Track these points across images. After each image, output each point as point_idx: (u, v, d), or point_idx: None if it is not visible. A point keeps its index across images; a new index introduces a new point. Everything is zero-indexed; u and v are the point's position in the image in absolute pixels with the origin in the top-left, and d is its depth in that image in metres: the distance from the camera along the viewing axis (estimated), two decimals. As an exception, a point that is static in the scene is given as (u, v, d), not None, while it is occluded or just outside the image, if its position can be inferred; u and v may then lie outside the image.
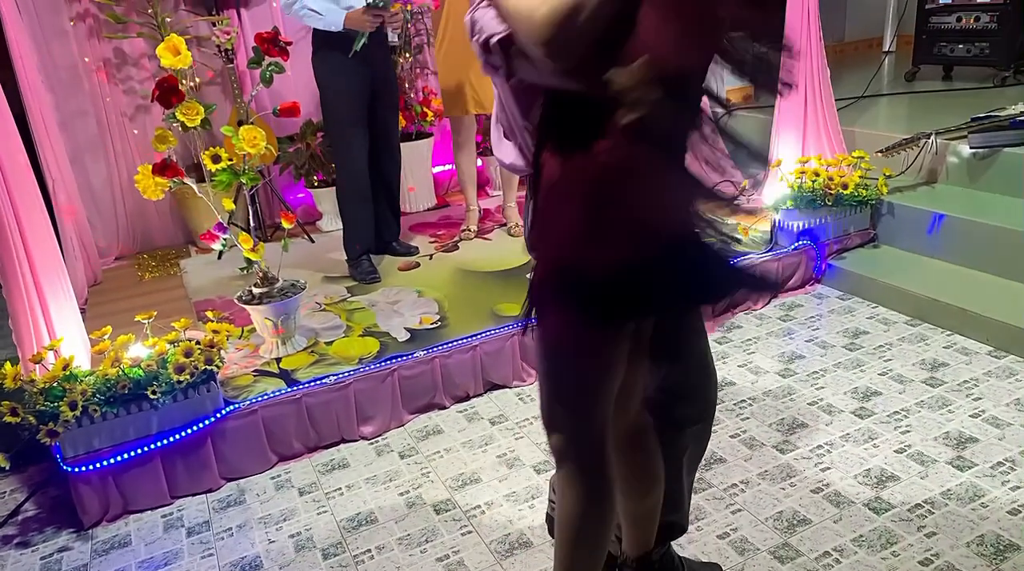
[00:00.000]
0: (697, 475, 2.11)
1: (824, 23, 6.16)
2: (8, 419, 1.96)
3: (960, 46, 4.53)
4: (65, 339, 2.15)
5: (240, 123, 3.45)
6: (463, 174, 3.62)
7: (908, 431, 2.25)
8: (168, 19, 3.35)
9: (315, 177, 3.76)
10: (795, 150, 3.41)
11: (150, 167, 2.09)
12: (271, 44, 2.22)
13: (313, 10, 2.74)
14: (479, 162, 4.08)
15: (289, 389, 2.35)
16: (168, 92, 2.00)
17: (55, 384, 2.01)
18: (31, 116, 3.06)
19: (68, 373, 2.02)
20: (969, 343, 2.68)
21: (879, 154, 3.28)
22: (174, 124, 2.19)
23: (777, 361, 2.68)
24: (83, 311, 3.21)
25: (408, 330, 2.67)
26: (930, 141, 3.24)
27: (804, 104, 3.41)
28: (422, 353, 2.50)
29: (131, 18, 3.34)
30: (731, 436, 2.29)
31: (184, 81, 3.32)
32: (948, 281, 2.92)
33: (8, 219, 2.09)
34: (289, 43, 2.33)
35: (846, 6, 6.21)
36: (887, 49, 5.93)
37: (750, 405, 2.44)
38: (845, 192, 3.09)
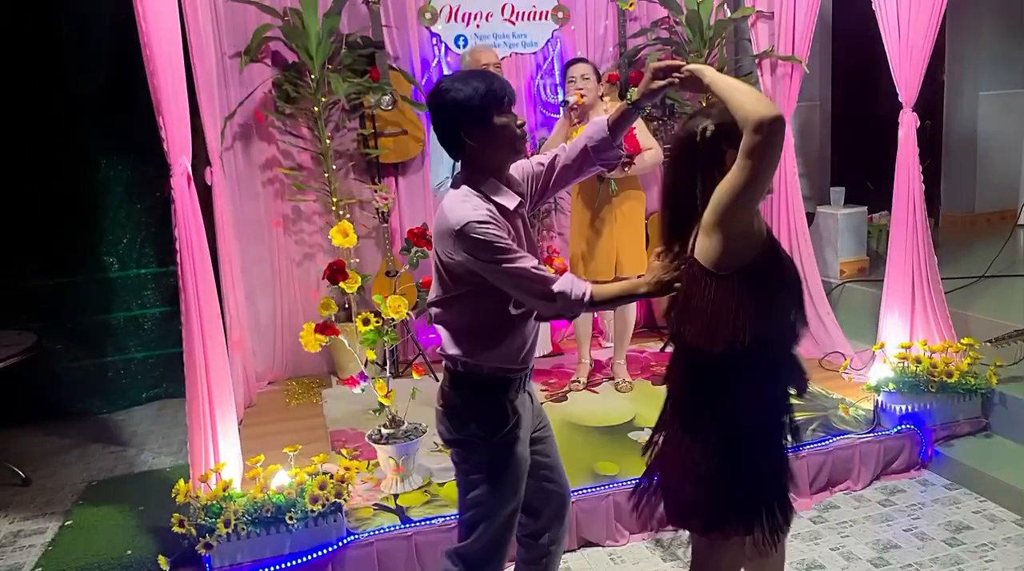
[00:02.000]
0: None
1: (953, 191, 6.25)
2: (176, 529, 2.37)
3: (1092, 230, 4.47)
4: (227, 463, 2.57)
5: (388, 274, 3.98)
6: (578, 329, 3.92)
7: (1003, 641, 2.20)
8: (338, 186, 3.99)
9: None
10: (902, 330, 3.48)
11: (313, 326, 2.56)
12: (419, 237, 2.70)
13: None
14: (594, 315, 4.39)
15: (402, 526, 2.63)
16: (336, 273, 2.50)
17: (215, 502, 2.40)
18: (221, 263, 3.70)
19: (227, 494, 2.41)
20: (1082, 552, 2.59)
21: (988, 344, 3.30)
22: (335, 287, 2.66)
23: (871, 549, 2.68)
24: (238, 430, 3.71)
25: (513, 479, 2.91)
26: (1044, 334, 3.24)
27: (911, 284, 3.50)
28: (522, 503, 2.73)
29: (310, 185, 4.01)
30: (814, 622, 2.33)
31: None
32: (1064, 482, 2.85)
33: (202, 355, 2.58)
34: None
35: (976, 174, 6.21)
36: (1021, 222, 5.86)
37: (838, 592, 2.46)
38: (950, 380, 3.12)
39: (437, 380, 3.82)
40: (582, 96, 3.46)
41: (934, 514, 2.88)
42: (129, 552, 2.88)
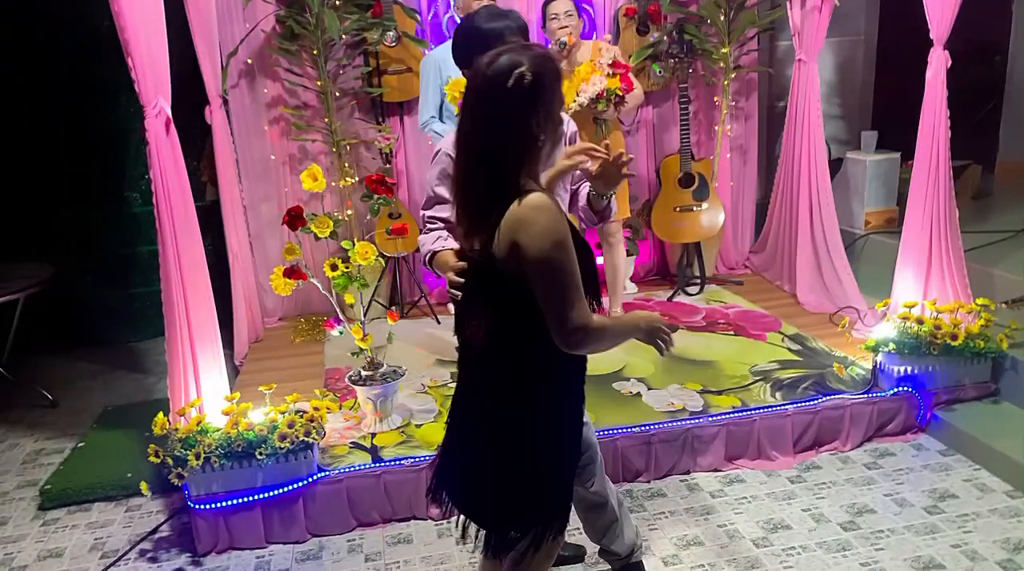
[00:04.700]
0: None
1: (1012, 136, 5.79)
2: (152, 459, 2.49)
3: None
4: (208, 398, 2.65)
5: (391, 216, 3.98)
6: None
7: (963, 614, 2.15)
8: (340, 125, 3.96)
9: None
10: (916, 287, 3.31)
11: (282, 269, 2.59)
12: (379, 184, 2.67)
13: (437, 132, 3.30)
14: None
15: (373, 465, 2.70)
16: (295, 218, 2.50)
17: (190, 435, 2.50)
18: (223, 202, 3.76)
19: (200, 428, 2.51)
20: (1069, 528, 2.47)
21: (1004, 306, 3.11)
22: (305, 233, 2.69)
23: (844, 512, 2.62)
24: (241, 364, 3.83)
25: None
26: (1065, 298, 3.03)
27: (929, 239, 3.30)
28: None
29: (313, 125, 3.99)
30: (768, 582, 2.31)
31: (347, 179, 3.90)
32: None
33: (181, 294, 2.63)
34: (394, 183, 2.81)
35: (1031, 119, 5.76)
36: (1082, 172, 5.43)
37: (799, 554, 2.43)
38: (954, 343, 2.96)
39: (439, 323, 3.92)
40: (571, 34, 3.33)
41: (920, 480, 2.78)
42: (129, 475, 3.03)
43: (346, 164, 4.00)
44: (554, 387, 1.63)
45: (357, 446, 2.84)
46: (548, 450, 1.63)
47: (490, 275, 1.52)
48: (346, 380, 2.97)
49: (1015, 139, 5.75)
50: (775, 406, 2.97)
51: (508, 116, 1.45)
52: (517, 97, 1.43)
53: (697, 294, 4.30)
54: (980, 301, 3.12)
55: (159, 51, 2.53)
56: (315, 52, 3.76)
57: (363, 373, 2.91)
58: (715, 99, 4.45)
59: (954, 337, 2.98)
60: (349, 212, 3.96)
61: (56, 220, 4.45)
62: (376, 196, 2.75)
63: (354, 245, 2.61)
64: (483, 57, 1.49)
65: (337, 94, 3.95)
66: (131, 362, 4.40)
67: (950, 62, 3.23)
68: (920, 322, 3.02)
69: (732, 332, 3.77)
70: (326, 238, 2.62)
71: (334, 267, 2.62)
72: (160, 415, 2.58)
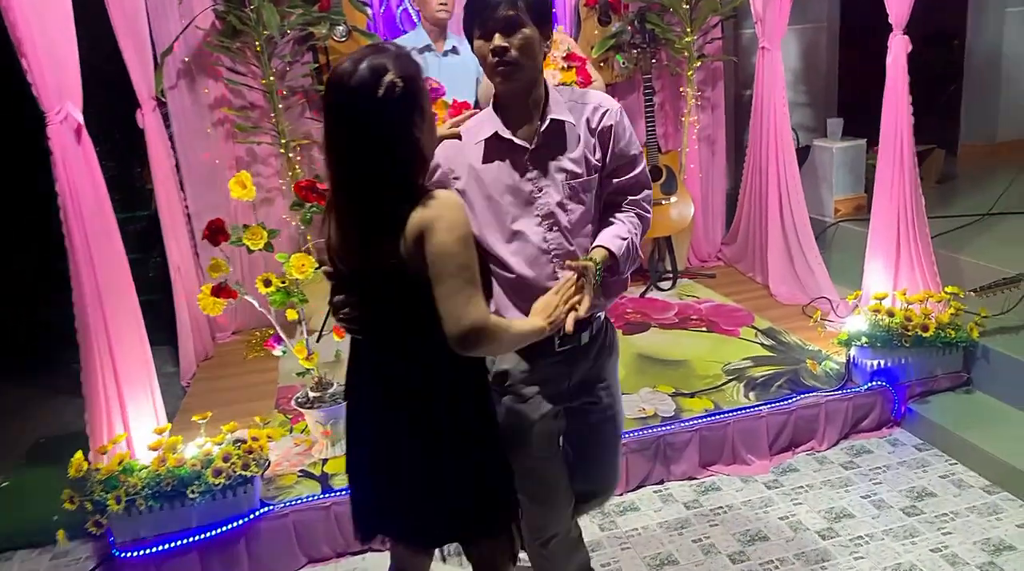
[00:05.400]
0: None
1: (973, 119, 5.73)
2: (67, 506, 2.26)
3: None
4: (137, 432, 2.44)
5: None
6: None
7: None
8: (289, 126, 3.73)
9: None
10: (886, 277, 3.20)
11: (210, 288, 2.39)
12: (309, 191, 2.48)
13: None
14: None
15: (322, 496, 2.50)
16: (215, 232, 2.30)
17: (112, 475, 2.28)
18: (161, 212, 3.53)
19: (123, 467, 2.29)
20: (1052, 524, 2.37)
21: (973, 293, 3.01)
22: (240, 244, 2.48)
23: (823, 518, 2.50)
24: (188, 385, 3.60)
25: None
26: (1036, 283, 2.94)
27: (896, 228, 3.20)
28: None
29: (262, 125, 3.76)
30: (746, 601, 2.17)
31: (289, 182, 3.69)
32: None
33: (100, 320, 2.41)
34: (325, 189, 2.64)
35: (999, 102, 5.70)
36: (1045, 152, 5.38)
37: (777, 567, 2.29)
38: (925, 334, 2.86)
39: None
40: None
41: (897, 479, 2.67)
42: (55, 518, 2.77)
43: (296, 166, 3.79)
44: (476, 388, 1.58)
45: (306, 475, 2.64)
46: (487, 451, 1.57)
47: (399, 283, 1.42)
48: (292, 403, 2.77)
49: (976, 121, 5.70)
50: (749, 407, 2.83)
51: (388, 123, 1.35)
52: (393, 106, 1.34)
53: (670, 289, 4.16)
54: (949, 289, 3.01)
55: (66, 49, 2.30)
56: (258, 49, 3.53)
57: (311, 395, 2.72)
58: (680, 89, 4.31)
59: (925, 328, 2.87)
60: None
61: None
62: (308, 204, 2.55)
63: (289, 258, 2.41)
64: (337, 68, 1.37)
65: (284, 93, 3.72)
66: (74, 386, 4.12)
67: (910, 47, 3.12)
68: (891, 314, 2.91)
69: (705, 328, 3.63)
70: (260, 250, 2.42)
71: (267, 282, 2.43)
72: (78, 454, 2.36)
